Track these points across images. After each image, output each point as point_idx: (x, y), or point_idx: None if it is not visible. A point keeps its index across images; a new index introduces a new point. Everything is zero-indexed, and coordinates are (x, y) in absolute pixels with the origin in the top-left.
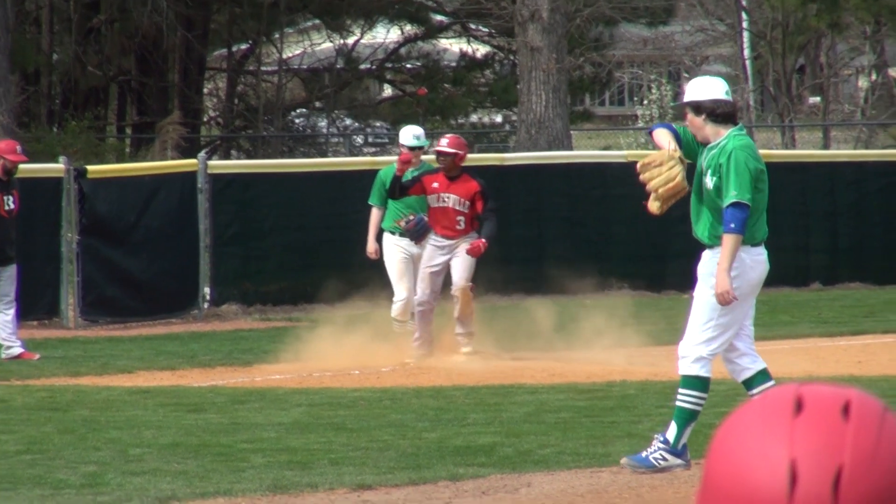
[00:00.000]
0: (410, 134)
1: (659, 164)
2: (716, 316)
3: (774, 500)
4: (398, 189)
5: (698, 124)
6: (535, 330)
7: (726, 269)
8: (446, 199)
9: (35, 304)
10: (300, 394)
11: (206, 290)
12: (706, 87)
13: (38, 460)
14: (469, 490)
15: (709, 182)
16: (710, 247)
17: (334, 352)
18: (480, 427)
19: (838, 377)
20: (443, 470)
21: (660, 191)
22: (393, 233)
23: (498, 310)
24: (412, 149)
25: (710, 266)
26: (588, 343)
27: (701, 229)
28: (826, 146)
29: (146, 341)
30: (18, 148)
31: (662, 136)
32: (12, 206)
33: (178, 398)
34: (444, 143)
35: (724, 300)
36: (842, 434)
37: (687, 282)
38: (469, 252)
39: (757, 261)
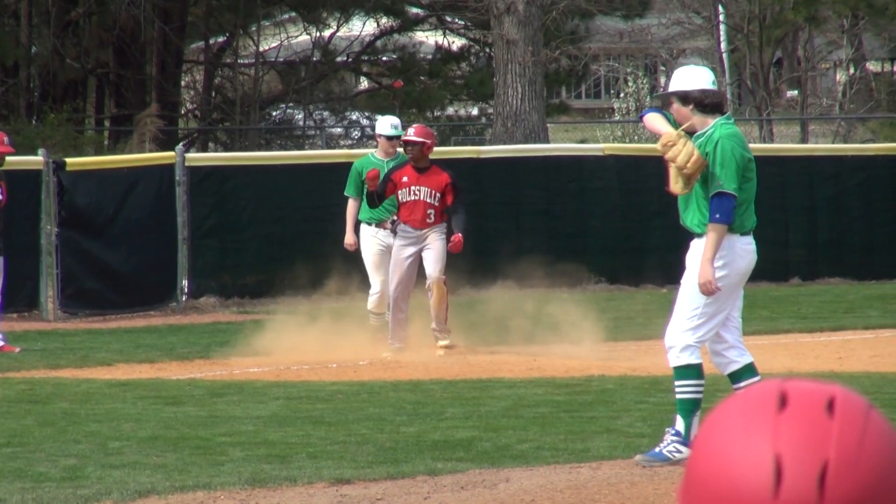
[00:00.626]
0: (388, 123)
1: (674, 142)
2: (702, 304)
3: (759, 495)
4: (376, 198)
5: (685, 114)
6: (511, 324)
7: (710, 258)
8: (417, 192)
9: (14, 297)
10: (278, 387)
11: (185, 282)
12: (693, 77)
13: (19, 453)
14: (447, 485)
15: None
16: (699, 235)
17: (303, 344)
18: (458, 421)
19: (819, 373)
20: (421, 464)
21: (688, 166)
22: (370, 224)
23: (474, 303)
24: (390, 138)
25: (698, 255)
26: (564, 337)
27: (689, 218)
28: (804, 140)
29: (125, 334)
30: (6, 139)
31: (657, 120)
32: (0, 197)
33: (157, 391)
34: (411, 133)
35: (707, 290)
36: (827, 430)
37: (664, 275)
38: (451, 250)
39: (746, 250)
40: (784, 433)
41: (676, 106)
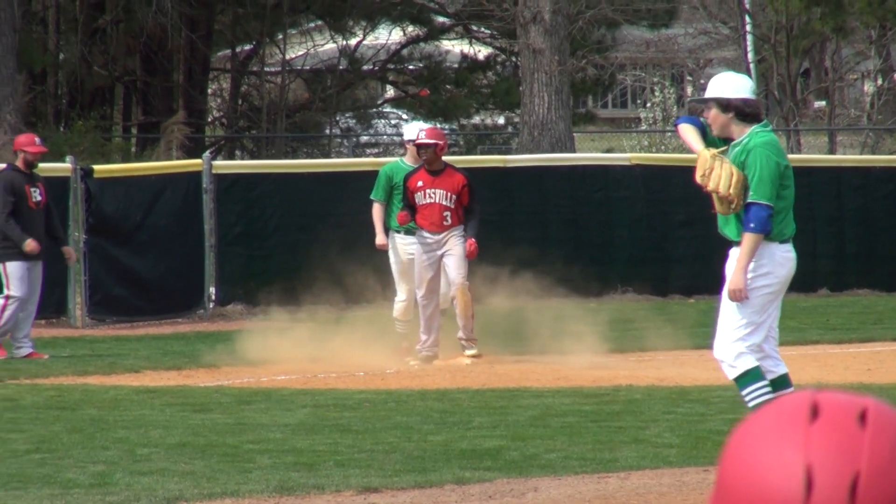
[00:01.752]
0: (416, 129)
1: (711, 167)
2: (748, 314)
3: None
4: (411, 214)
5: (723, 122)
6: (537, 333)
7: (743, 267)
8: (433, 195)
9: (43, 304)
10: (305, 395)
11: (212, 289)
12: (735, 85)
13: (48, 459)
14: (475, 494)
15: None
16: (738, 244)
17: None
18: (486, 430)
19: (848, 385)
20: (449, 473)
21: (730, 192)
22: (398, 232)
23: (500, 312)
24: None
25: (733, 265)
26: (591, 347)
27: (729, 227)
28: (832, 151)
29: (153, 341)
30: (37, 140)
31: (691, 134)
32: (39, 198)
33: (185, 398)
34: (423, 136)
35: (737, 297)
36: (858, 441)
37: (691, 285)
38: (468, 257)
39: (786, 257)
40: (815, 444)
41: (715, 112)
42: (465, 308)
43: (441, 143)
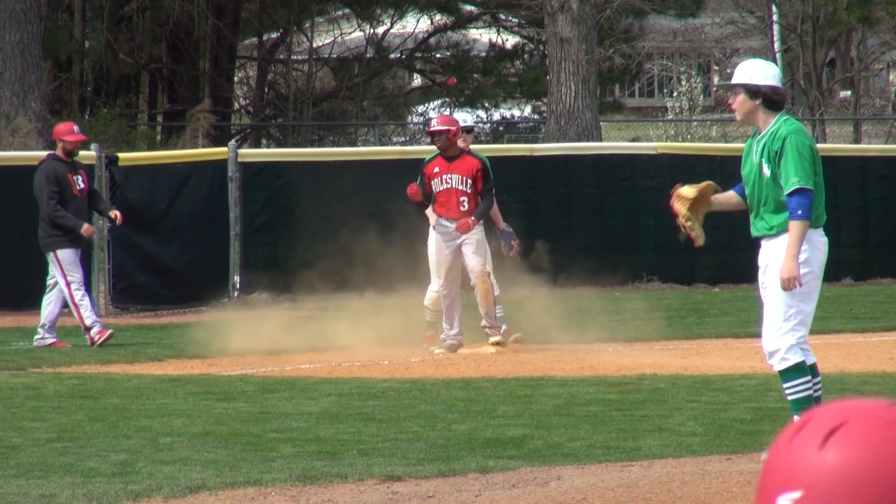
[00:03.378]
0: (458, 118)
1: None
2: (794, 303)
3: None
4: (427, 200)
5: (749, 108)
6: (563, 322)
7: (794, 255)
8: (449, 181)
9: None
10: (329, 383)
11: (236, 278)
12: (765, 72)
13: (70, 448)
14: (499, 483)
15: (766, 171)
16: (774, 236)
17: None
18: (510, 419)
19: (870, 373)
20: (472, 462)
21: (688, 223)
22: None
23: (526, 301)
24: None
25: (774, 254)
26: (617, 335)
27: (758, 226)
28: (857, 140)
29: (176, 329)
30: (76, 128)
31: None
32: (82, 185)
33: (208, 387)
34: (435, 123)
35: (789, 286)
36: (811, 461)
37: (716, 274)
38: (458, 228)
39: (822, 242)
40: (784, 459)
41: (742, 98)
42: (485, 295)
43: (454, 128)
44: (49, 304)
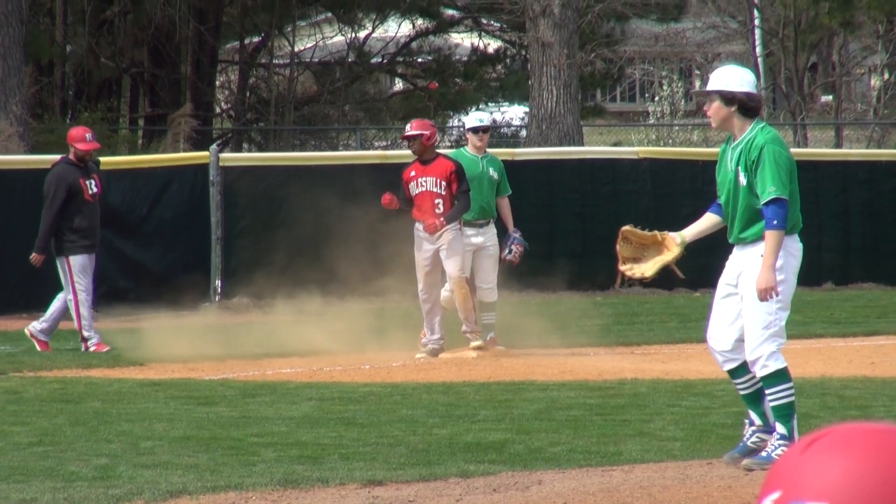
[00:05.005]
0: (473, 117)
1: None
2: (774, 310)
3: None
4: (405, 204)
5: (725, 115)
6: (543, 326)
7: (771, 265)
8: (423, 184)
9: (47, 296)
10: (310, 388)
11: (218, 282)
12: (740, 78)
13: (50, 452)
14: (480, 487)
15: (742, 180)
16: (750, 243)
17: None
18: (491, 424)
19: (851, 378)
20: (453, 466)
21: (647, 274)
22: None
23: (507, 306)
24: (475, 131)
25: (747, 262)
26: (598, 340)
27: (736, 231)
28: (838, 145)
29: (157, 333)
30: (88, 135)
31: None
32: (95, 189)
33: (189, 391)
34: (408, 128)
35: (766, 297)
36: (793, 465)
37: (698, 279)
38: (425, 230)
39: (797, 248)
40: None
41: (718, 105)
42: (463, 301)
43: (427, 132)
44: (56, 308)
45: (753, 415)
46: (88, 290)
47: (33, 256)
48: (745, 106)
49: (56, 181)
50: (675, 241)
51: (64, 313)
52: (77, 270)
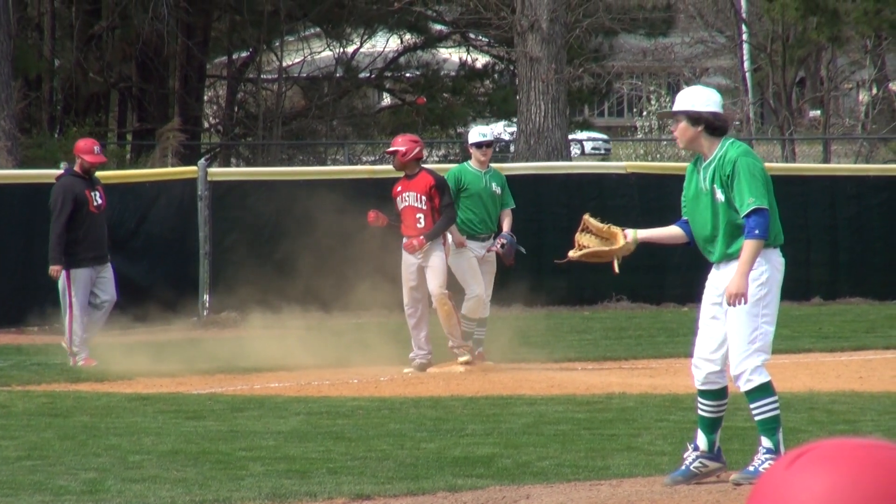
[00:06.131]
0: (476, 132)
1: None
2: (758, 323)
3: None
4: (394, 219)
5: (692, 135)
6: (532, 341)
7: (745, 272)
8: (406, 199)
9: (36, 310)
10: (299, 402)
11: (206, 297)
12: (706, 99)
13: (39, 466)
14: (468, 501)
15: (720, 196)
16: (735, 259)
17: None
18: (479, 438)
19: (839, 392)
20: (441, 481)
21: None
22: (462, 235)
23: (496, 321)
24: (479, 146)
25: (728, 278)
26: (586, 354)
27: (718, 249)
28: (826, 160)
29: (146, 348)
30: (96, 148)
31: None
32: (100, 201)
33: (178, 405)
34: (392, 145)
35: (735, 301)
36: (779, 480)
37: (686, 294)
38: (404, 247)
39: (780, 262)
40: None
41: (684, 126)
42: (446, 318)
43: (403, 149)
44: (92, 323)
45: (701, 439)
46: (85, 306)
47: (51, 269)
48: (712, 125)
49: (62, 192)
50: (624, 237)
51: (101, 323)
52: (76, 285)
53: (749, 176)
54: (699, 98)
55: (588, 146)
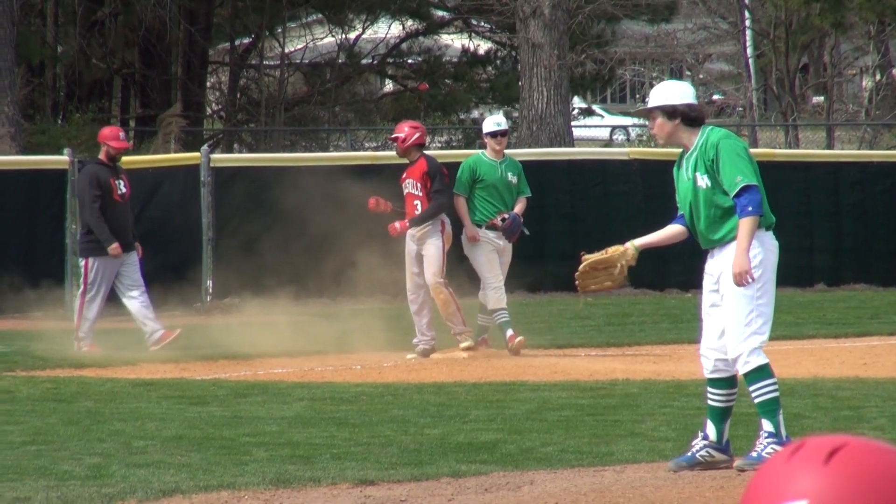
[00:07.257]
0: (491, 121)
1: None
2: (755, 305)
3: None
4: (399, 206)
5: (669, 129)
6: (533, 327)
7: (745, 249)
8: (407, 185)
9: (40, 296)
10: (302, 388)
11: (209, 283)
12: (679, 92)
13: (43, 451)
14: (471, 487)
15: (703, 182)
16: (726, 243)
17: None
18: (483, 424)
19: (843, 379)
20: (445, 466)
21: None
22: (479, 226)
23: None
24: (494, 135)
25: (729, 262)
26: (589, 340)
27: (709, 236)
28: (830, 146)
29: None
30: (121, 135)
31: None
32: (124, 189)
33: (182, 391)
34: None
35: (741, 280)
36: (817, 475)
37: (689, 280)
38: (389, 230)
39: (773, 244)
40: (788, 476)
41: (661, 121)
42: (443, 306)
43: (401, 136)
44: (141, 307)
45: (711, 429)
46: (97, 294)
47: (111, 250)
48: (688, 117)
49: (88, 181)
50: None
51: (146, 304)
52: (98, 273)
53: (734, 156)
54: (672, 92)
55: (633, 133)
